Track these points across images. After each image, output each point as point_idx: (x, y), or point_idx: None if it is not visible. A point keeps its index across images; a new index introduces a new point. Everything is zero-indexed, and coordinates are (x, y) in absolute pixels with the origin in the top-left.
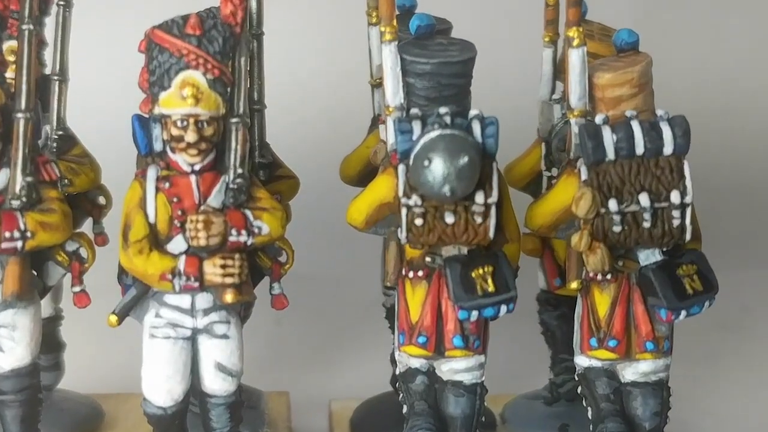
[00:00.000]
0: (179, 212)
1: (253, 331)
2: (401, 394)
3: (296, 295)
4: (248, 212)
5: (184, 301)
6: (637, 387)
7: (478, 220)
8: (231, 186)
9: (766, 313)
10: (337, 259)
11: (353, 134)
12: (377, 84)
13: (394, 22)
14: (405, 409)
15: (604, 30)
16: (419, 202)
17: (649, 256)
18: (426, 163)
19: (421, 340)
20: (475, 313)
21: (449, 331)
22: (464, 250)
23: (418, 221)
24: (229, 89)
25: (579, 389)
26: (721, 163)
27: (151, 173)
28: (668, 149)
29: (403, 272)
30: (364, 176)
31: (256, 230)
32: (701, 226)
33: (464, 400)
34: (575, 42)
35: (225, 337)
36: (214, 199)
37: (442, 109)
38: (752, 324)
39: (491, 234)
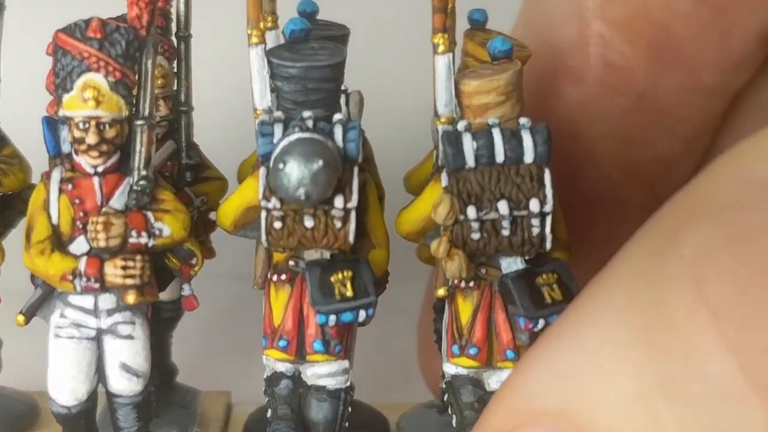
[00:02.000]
0: (81, 214)
1: (198, 332)
2: (267, 399)
3: (240, 295)
4: (149, 214)
5: (87, 301)
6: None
7: (338, 224)
8: (134, 188)
9: None
10: None
11: None
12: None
13: (261, 25)
14: (269, 413)
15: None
16: (278, 206)
17: (510, 264)
18: (281, 165)
19: (282, 343)
20: (333, 318)
21: (310, 336)
22: (327, 255)
23: (278, 224)
24: (134, 91)
25: (445, 397)
26: None
27: (56, 175)
28: (529, 158)
29: (269, 276)
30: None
31: (156, 232)
32: None
33: (327, 405)
34: (440, 49)
35: (129, 337)
36: (117, 201)
37: (306, 113)
38: None
39: (351, 239)
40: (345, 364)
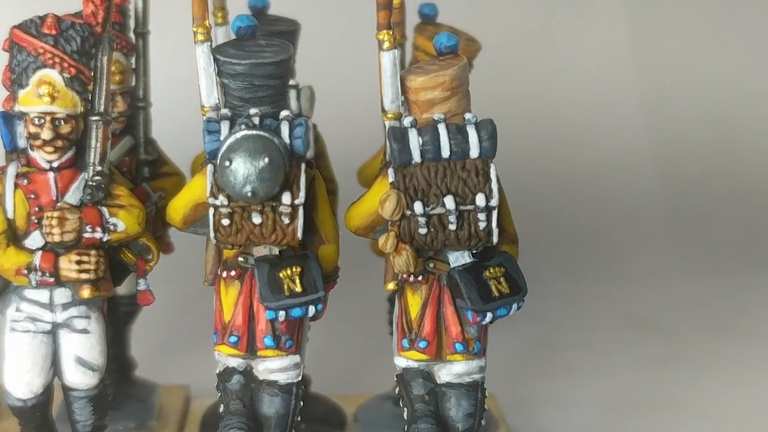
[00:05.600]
0: (36, 208)
1: (157, 326)
2: (219, 394)
3: (199, 289)
4: (104, 209)
5: (42, 295)
6: (451, 388)
7: (286, 220)
8: (89, 183)
9: (764, 315)
10: None
11: None
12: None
13: (206, 23)
14: (221, 408)
15: (453, 34)
16: (226, 202)
17: (458, 258)
18: (227, 163)
19: (233, 339)
20: (282, 313)
21: (260, 331)
22: (276, 251)
23: (225, 221)
24: (89, 87)
25: (396, 390)
26: (719, 168)
27: (11, 170)
28: (474, 152)
29: (218, 272)
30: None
31: (111, 227)
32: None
33: (279, 399)
34: (385, 45)
35: (85, 331)
36: (72, 196)
37: (252, 110)
38: (750, 326)
39: (299, 235)
40: (296, 359)
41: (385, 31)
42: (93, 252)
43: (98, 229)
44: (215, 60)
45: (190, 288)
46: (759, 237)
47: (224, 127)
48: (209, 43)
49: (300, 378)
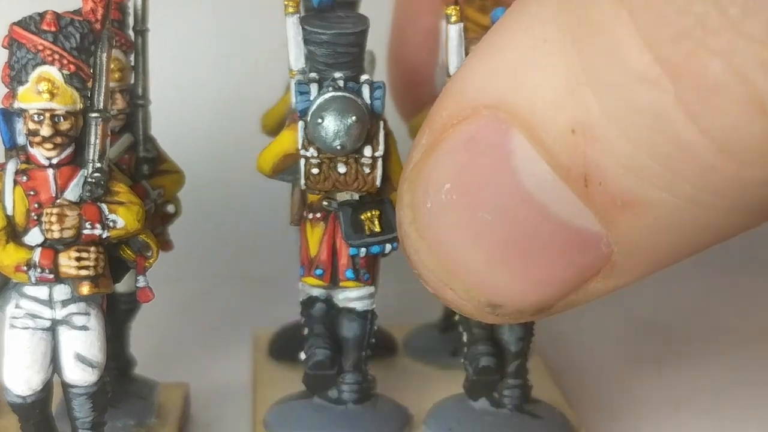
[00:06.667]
0: (36, 205)
1: (157, 324)
2: (303, 319)
3: (199, 287)
4: (103, 206)
5: (42, 292)
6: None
7: (367, 170)
8: (88, 180)
9: (761, 316)
10: (230, 250)
11: (242, 128)
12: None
13: None
14: (306, 331)
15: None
16: (315, 154)
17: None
18: (319, 120)
19: (318, 272)
20: (363, 250)
21: (342, 266)
22: (356, 196)
23: (315, 170)
24: (89, 84)
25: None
26: None
27: (11, 166)
28: None
29: (305, 214)
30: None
31: (110, 224)
32: None
33: (356, 324)
34: (453, 19)
35: (84, 328)
36: (71, 193)
37: (337, 74)
38: (747, 327)
39: (378, 182)
40: (371, 289)
41: (452, 6)
42: (92, 249)
43: (97, 225)
44: (303, 30)
45: (190, 286)
46: (759, 243)
47: (313, 88)
48: (298, 15)
49: (374, 306)
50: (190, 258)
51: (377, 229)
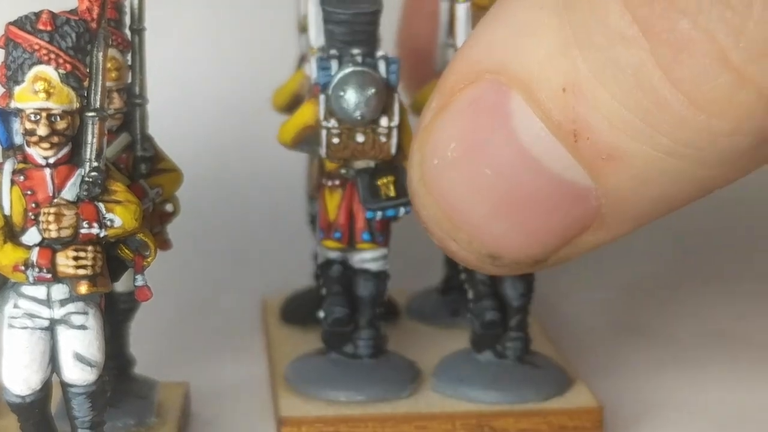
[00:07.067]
0: (33, 205)
1: (156, 323)
2: (321, 280)
3: (198, 287)
4: (101, 205)
5: (40, 292)
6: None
7: (383, 139)
8: (85, 179)
9: (760, 321)
10: (229, 249)
11: (240, 126)
12: (303, 29)
13: None
14: (324, 291)
15: None
16: (336, 125)
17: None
18: (341, 93)
19: (337, 235)
20: (379, 214)
21: (359, 229)
22: (371, 164)
23: (335, 140)
24: (85, 83)
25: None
26: None
27: (8, 166)
28: None
29: (323, 182)
30: (292, 105)
31: (108, 223)
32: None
33: (371, 284)
34: None
35: (83, 327)
36: (69, 192)
37: (355, 50)
38: (747, 331)
39: (393, 151)
40: (385, 251)
41: None
42: (90, 248)
43: (95, 224)
44: (323, 10)
45: (189, 284)
46: (759, 248)
47: (334, 64)
48: None
49: (387, 266)
50: (189, 257)
51: (392, 194)
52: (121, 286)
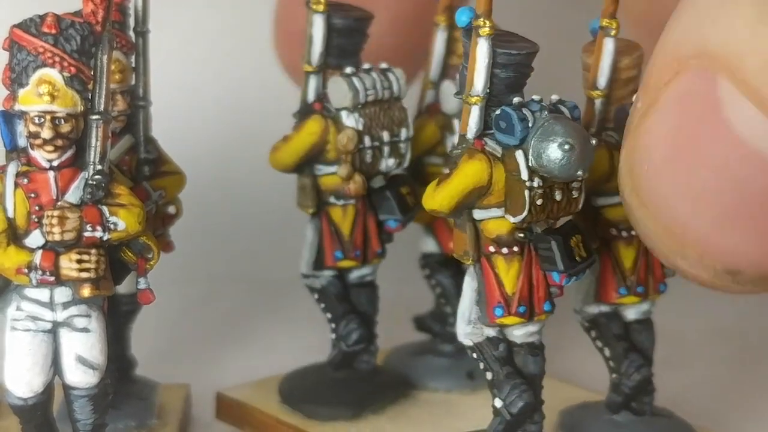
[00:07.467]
0: (36, 207)
1: (158, 325)
2: (481, 363)
3: (199, 289)
4: (104, 208)
5: (43, 294)
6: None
7: (575, 194)
8: (89, 182)
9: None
10: (231, 251)
11: (243, 129)
12: (315, 71)
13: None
14: (490, 375)
15: None
16: (541, 183)
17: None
18: (567, 147)
19: (522, 309)
20: (574, 278)
21: (540, 298)
22: (555, 224)
23: (539, 201)
24: (90, 86)
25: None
26: None
27: (11, 169)
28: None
29: (491, 249)
30: (303, 164)
31: (111, 226)
32: None
33: (539, 359)
34: (612, 32)
35: (85, 330)
36: (72, 195)
37: (515, 98)
38: (748, 332)
39: (581, 205)
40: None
41: (612, 19)
42: (93, 251)
43: (98, 227)
44: (493, 52)
45: (191, 287)
46: None
47: (529, 114)
48: (491, 37)
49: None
50: (191, 259)
51: (584, 254)
52: (123, 288)
